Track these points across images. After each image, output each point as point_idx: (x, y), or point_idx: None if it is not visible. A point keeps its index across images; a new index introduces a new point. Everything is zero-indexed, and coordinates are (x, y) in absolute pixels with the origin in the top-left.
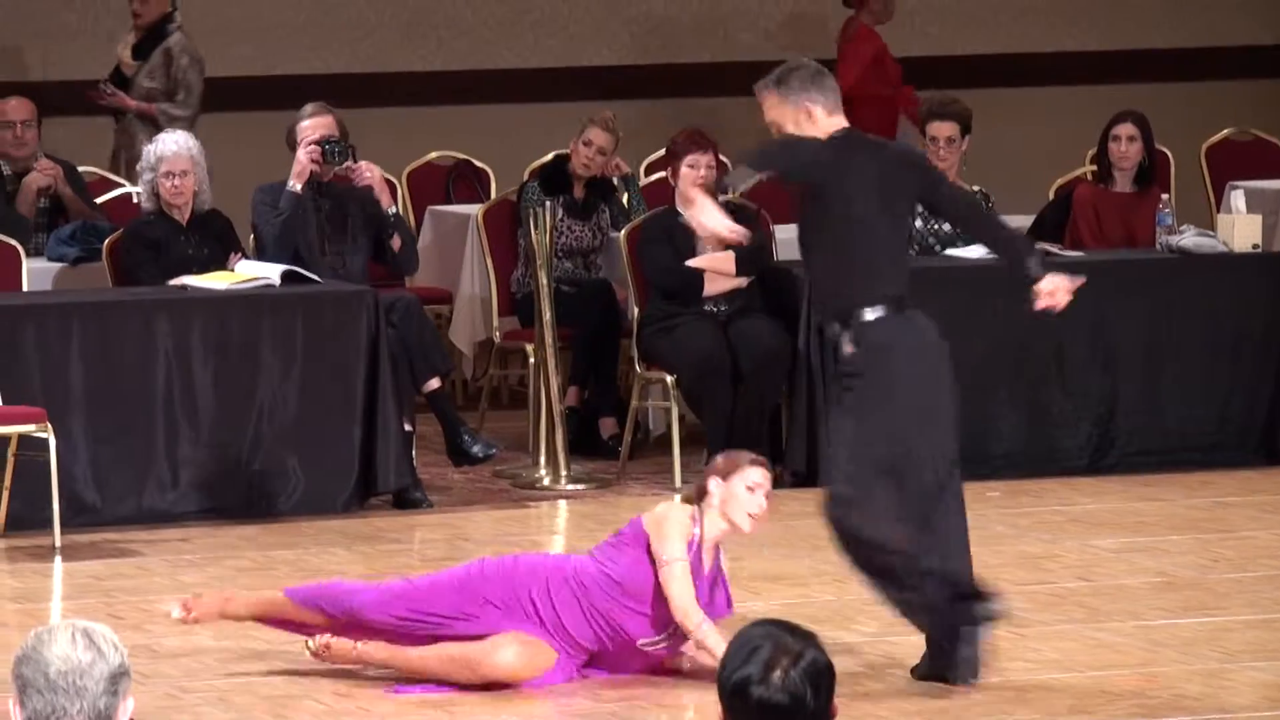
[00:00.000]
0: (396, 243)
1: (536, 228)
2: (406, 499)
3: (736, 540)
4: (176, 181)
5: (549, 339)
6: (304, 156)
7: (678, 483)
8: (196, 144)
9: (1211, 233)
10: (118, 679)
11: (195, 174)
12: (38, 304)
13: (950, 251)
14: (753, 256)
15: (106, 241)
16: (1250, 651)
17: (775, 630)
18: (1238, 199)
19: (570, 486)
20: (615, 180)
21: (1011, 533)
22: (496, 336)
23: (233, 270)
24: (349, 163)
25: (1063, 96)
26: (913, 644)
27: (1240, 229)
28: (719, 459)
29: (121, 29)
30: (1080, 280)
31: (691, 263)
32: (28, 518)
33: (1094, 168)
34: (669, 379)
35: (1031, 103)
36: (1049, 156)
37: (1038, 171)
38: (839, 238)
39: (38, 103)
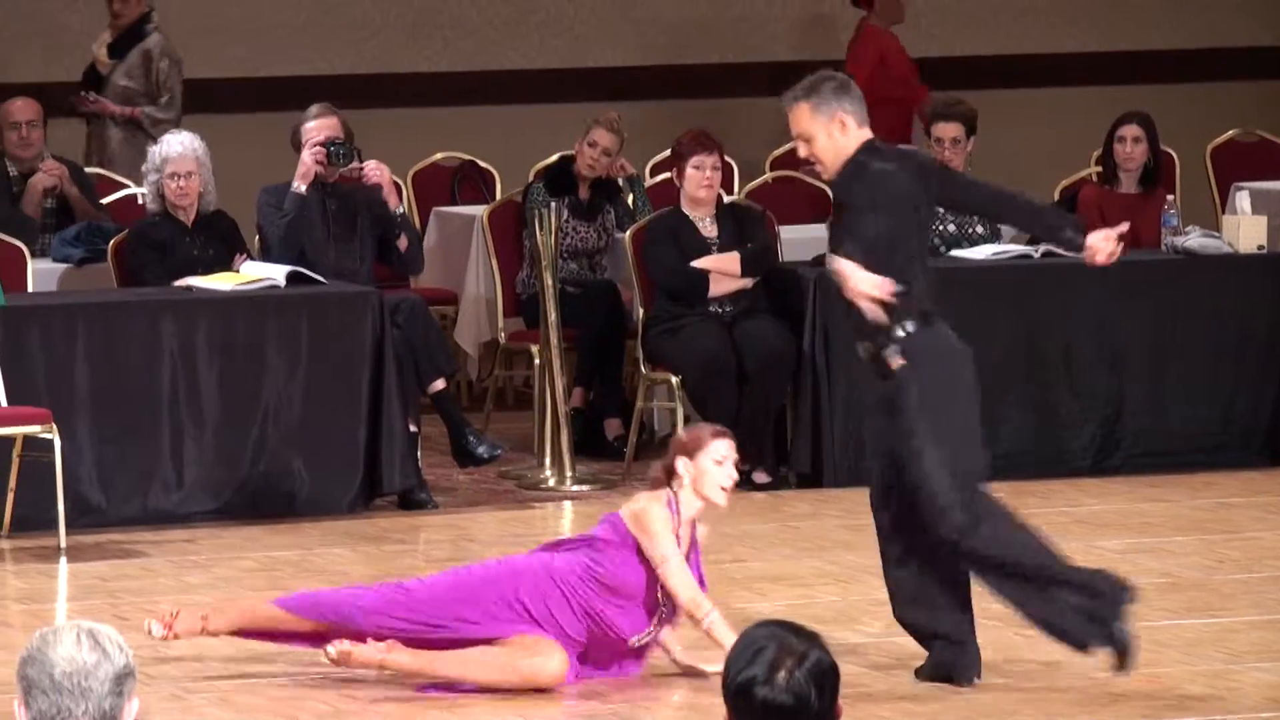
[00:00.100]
0: (403, 243)
1: (542, 229)
2: (411, 500)
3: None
4: (182, 182)
5: (554, 340)
6: (308, 158)
7: None
8: (202, 145)
9: (1216, 234)
10: (123, 680)
11: (200, 175)
12: (43, 305)
13: (956, 252)
14: (758, 257)
15: (112, 242)
16: (1255, 652)
17: (779, 631)
18: (1243, 200)
19: (575, 487)
20: (620, 181)
21: None
22: (501, 337)
23: (237, 271)
24: (354, 164)
25: (1068, 97)
26: (916, 645)
27: (1245, 230)
28: (681, 437)
29: (105, 27)
30: (1122, 227)
31: (697, 263)
32: (33, 519)
33: (1099, 169)
34: (674, 380)
35: (1037, 104)
36: (1054, 157)
37: (1043, 172)
38: (898, 252)
39: (42, 103)
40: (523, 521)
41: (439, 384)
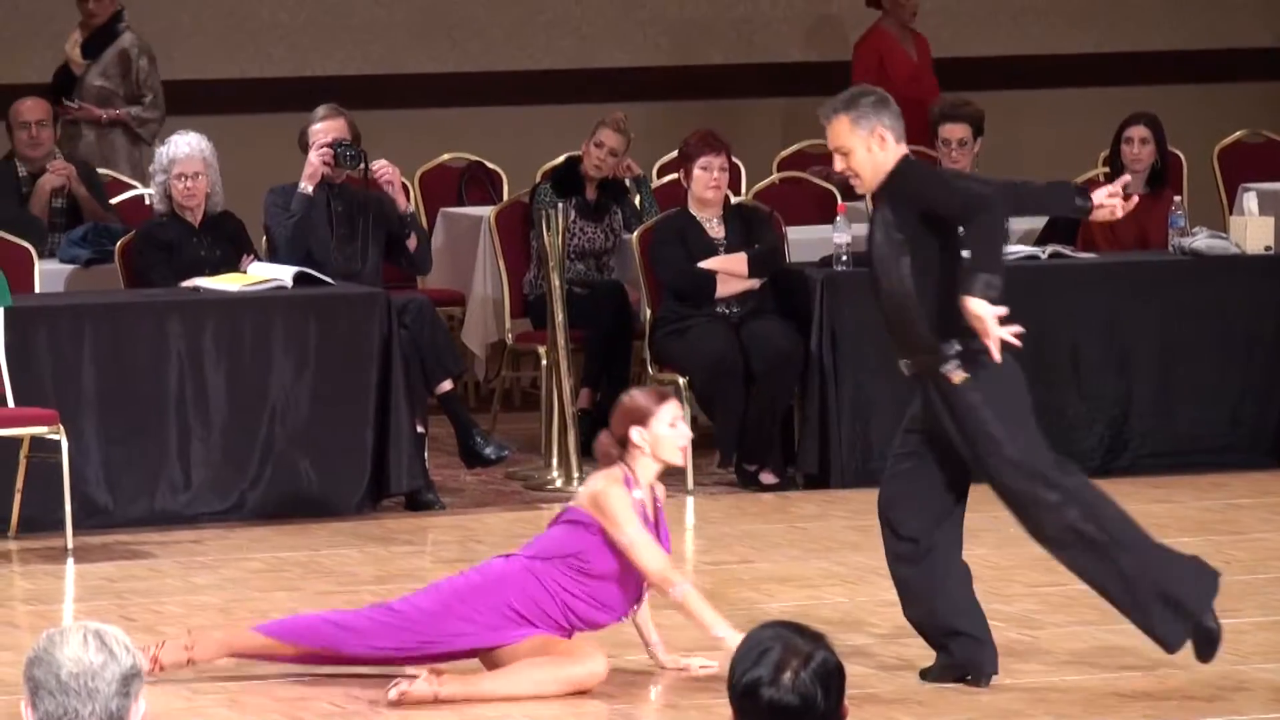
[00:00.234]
0: (413, 242)
1: (549, 230)
2: (419, 501)
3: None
4: (189, 183)
5: (561, 341)
6: (315, 159)
7: (690, 484)
8: (209, 145)
9: (1224, 235)
10: (129, 680)
11: (208, 176)
12: (50, 305)
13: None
14: (765, 258)
15: (119, 243)
16: (1262, 653)
17: (785, 631)
18: (1250, 201)
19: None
20: (627, 182)
21: (1024, 534)
22: (509, 338)
23: (245, 272)
24: (362, 166)
25: (1075, 98)
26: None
27: (1253, 231)
28: (628, 406)
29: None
30: (1124, 179)
31: (704, 264)
32: (39, 519)
33: (1106, 170)
34: (681, 381)
35: (1044, 105)
36: (1061, 159)
37: (1049, 173)
38: (946, 269)
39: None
40: (530, 522)
41: (446, 385)
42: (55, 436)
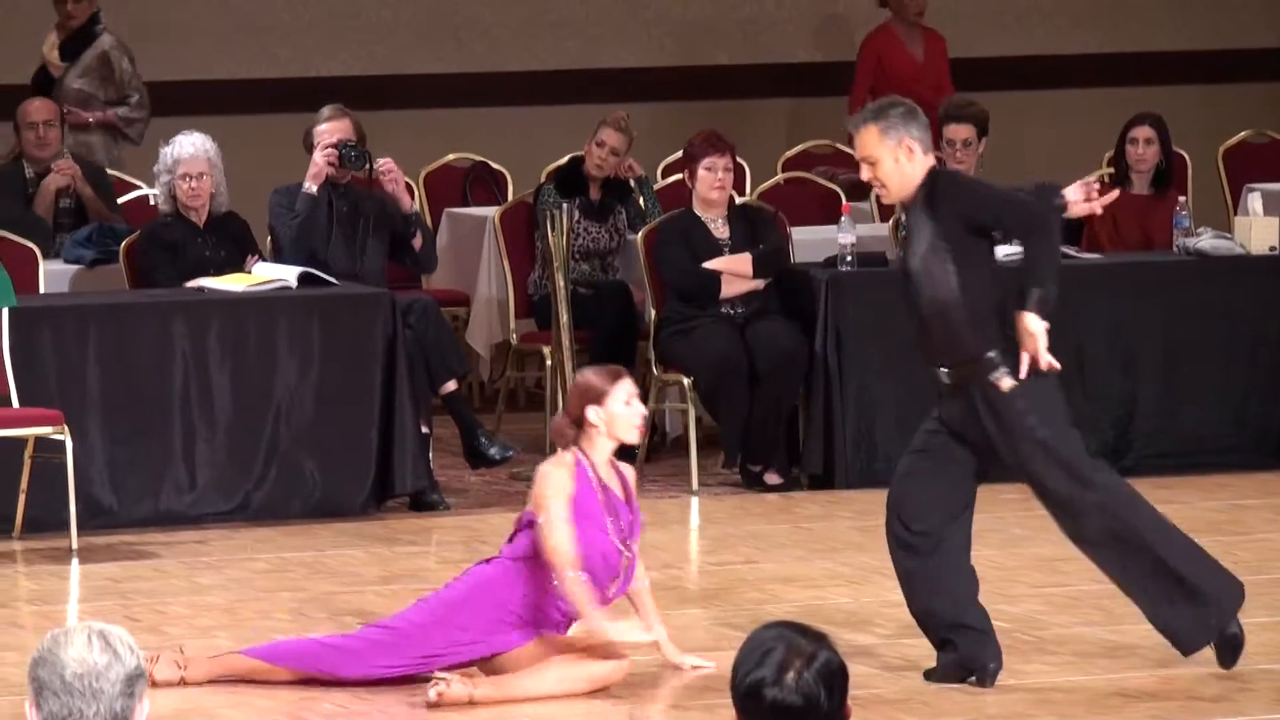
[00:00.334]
0: (418, 241)
1: (554, 230)
2: (423, 501)
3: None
4: (193, 183)
5: (566, 341)
6: (320, 159)
7: (694, 485)
8: (214, 146)
9: (1228, 235)
10: (134, 681)
11: (212, 176)
12: (54, 306)
13: None
14: (770, 258)
15: (123, 243)
16: (1266, 654)
17: (787, 632)
18: (1255, 201)
19: None
20: (632, 182)
21: (1028, 535)
22: (513, 338)
23: (249, 272)
24: (367, 167)
25: (1080, 99)
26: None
27: (1257, 231)
28: (583, 386)
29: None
30: (1090, 179)
31: (708, 265)
32: (44, 520)
33: (1111, 170)
34: (686, 381)
35: (1049, 105)
36: (1066, 159)
37: (1054, 174)
38: (986, 278)
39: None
40: None
41: (451, 385)
42: (60, 437)
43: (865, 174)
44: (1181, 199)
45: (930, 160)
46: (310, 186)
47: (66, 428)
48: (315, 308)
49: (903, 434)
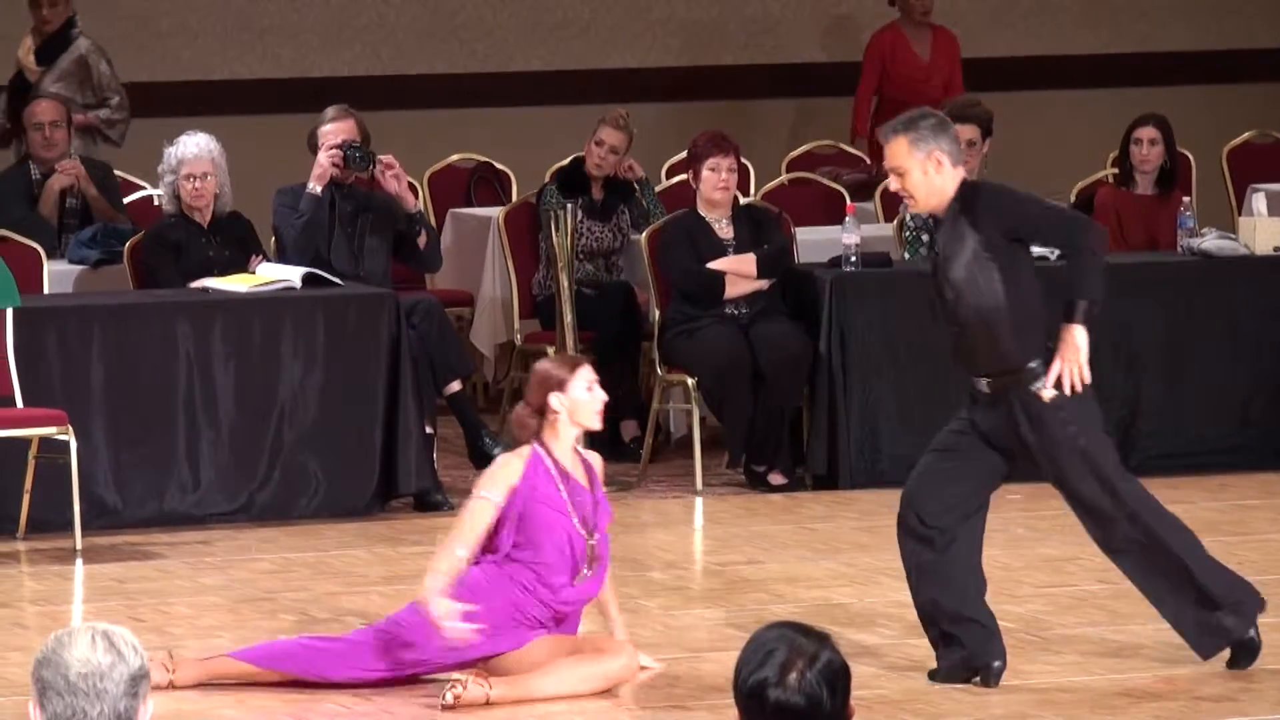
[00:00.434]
0: (423, 240)
1: (558, 230)
2: (427, 501)
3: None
4: (197, 184)
5: (570, 341)
6: (325, 159)
7: (699, 485)
8: (218, 146)
9: (1233, 235)
10: (138, 681)
11: (216, 176)
12: (59, 306)
13: None
14: (774, 259)
15: (127, 244)
16: (1270, 654)
17: (790, 632)
18: (1259, 202)
19: None
20: (635, 183)
21: (1033, 535)
22: (517, 339)
23: (253, 273)
24: (371, 169)
25: (1084, 99)
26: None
27: (1262, 232)
28: (543, 374)
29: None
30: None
31: (713, 265)
32: (48, 520)
33: (1116, 171)
34: (690, 381)
35: (1053, 105)
36: (1070, 159)
37: (1059, 174)
38: (1027, 288)
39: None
40: None
41: (455, 385)
42: (64, 437)
43: (894, 184)
44: (1186, 199)
45: (961, 172)
46: (314, 187)
47: (71, 428)
48: (319, 308)
49: (907, 434)
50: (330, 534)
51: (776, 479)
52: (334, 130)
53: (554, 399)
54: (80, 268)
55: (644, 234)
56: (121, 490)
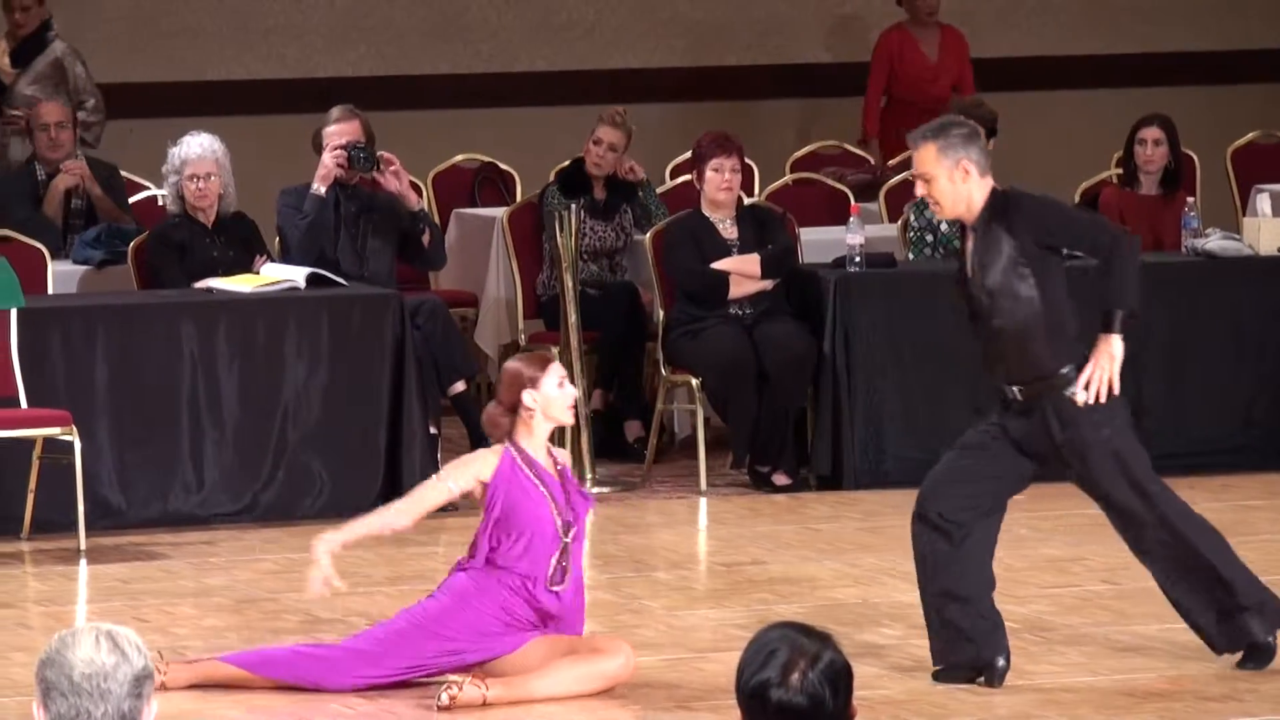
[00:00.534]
0: (427, 238)
1: (562, 231)
2: None
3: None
4: (201, 184)
5: (574, 342)
6: (329, 160)
7: (703, 485)
8: (221, 146)
9: (1237, 236)
10: (141, 681)
11: (220, 177)
12: (63, 307)
13: None
14: (778, 259)
15: (132, 244)
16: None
17: (791, 632)
18: (1263, 202)
19: (596, 490)
20: (636, 184)
21: (1036, 536)
22: (522, 339)
23: (257, 273)
24: (376, 170)
25: (1089, 100)
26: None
27: (1266, 232)
28: (515, 372)
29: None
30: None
31: (717, 265)
32: (53, 521)
33: (1120, 171)
34: (694, 382)
35: (1057, 106)
36: (1075, 160)
37: (1063, 175)
38: (1060, 295)
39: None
40: None
41: (459, 386)
42: (68, 438)
43: (920, 189)
44: (1190, 200)
45: (989, 181)
46: (318, 188)
47: (75, 428)
48: (323, 308)
49: (911, 435)
50: None
51: (781, 479)
52: (338, 131)
53: (527, 395)
54: (85, 268)
55: (648, 234)
56: (126, 491)
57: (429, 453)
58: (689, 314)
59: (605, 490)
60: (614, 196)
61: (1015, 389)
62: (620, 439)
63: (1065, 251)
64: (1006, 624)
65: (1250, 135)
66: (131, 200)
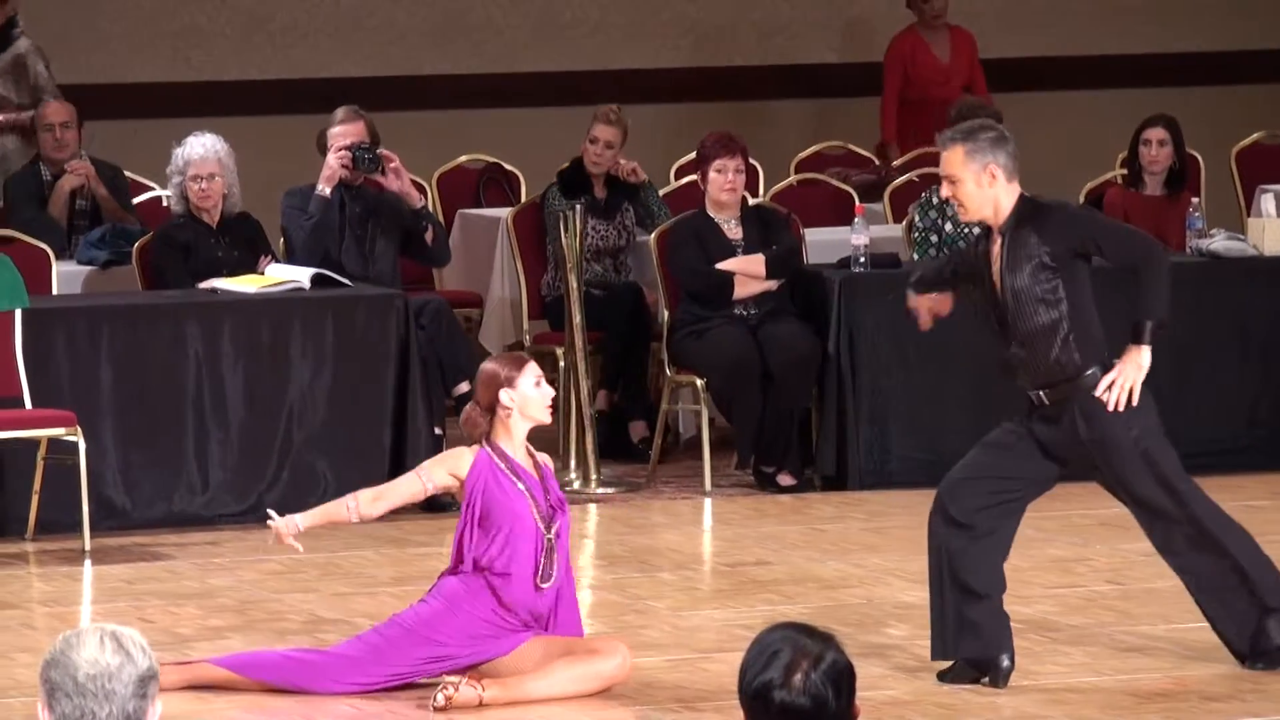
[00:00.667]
0: (430, 235)
1: (566, 231)
2: (436, 502)
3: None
4: (204, 185)
5: (579, 342)
6: (334, 161)
7: (708, 486)
8: (225, 147)
9: (1242, 236)
10: (146, 682)
11: (223, 177)
12: (67, 307)
13: None
14: (783, 260)
15: (136, 245)
16: None
17: (793, 634)
18: (1268, 203)
19: (601, 490)
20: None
21: (1041, 536)
22: (526, 340)
23: (262, 273)
24: (380, 171)
25: (1093, 100)
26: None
27: (1270, 232)
28: (491, 373)
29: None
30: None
31: (721, 265)
32: (57, 521)
33: (1124, 171)
34: (699, 382)
35: (1062, 106)
36: (1079, 160)
37: (1068, 175)
38: (1087, 299)
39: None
40: None
41: (464, 386)
42: (73, 438)
43: (945, 190)
44: (1194, 200)
45: (1016, 187)
46: (323, 189)
47: (79, 429)
48: (328, 309)
49: (916, 435)
50: (338, 535)
51: (785, 480)
52: (343, 132)
53: (504, 395)
54: (89, 268)
55: (653, 235)
56: (130, 491)
57: (433, 453)
58: (694, 314)
59: (610, 491)
60: (615, 195)
61: (1042, 393)
62: (625, 439)
63: (1093, 260)
64: (1013, 624)
65: (1255, 136)
66: (136, 201)
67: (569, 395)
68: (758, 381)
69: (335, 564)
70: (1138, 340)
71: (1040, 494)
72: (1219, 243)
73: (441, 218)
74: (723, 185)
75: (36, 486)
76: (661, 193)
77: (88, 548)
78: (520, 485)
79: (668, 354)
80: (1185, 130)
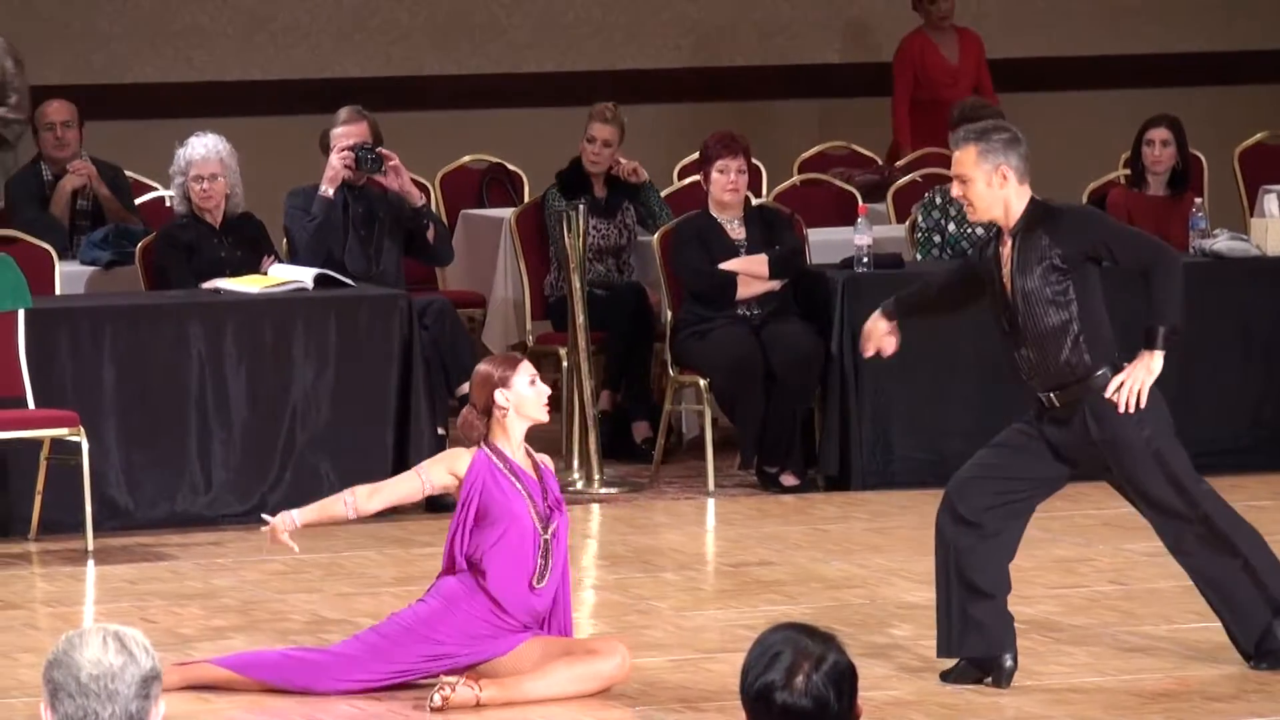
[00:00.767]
0: (432, 233)
1: (569, 231)
2: (439, 502)
3: (759, 534)
4: (206, 185)
5: (582, 343)
6: (337, 161)
7: (710, 486)
8: (227, 147)
9: (1245, 237)
10: (149, 682)
11: (226, 177)
12: (70, 307)
13: None
14: (786, 260)
15: (139, 245)
16: None
17: (794, 635)
18: (1271, 203)
19: (604, 490)
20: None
21: (1045, 536)
22: (529, 340)
23: (265, 274)
24: (383, 171)
25: (1096, 100)
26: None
27: (1273, 233)
28: (485, 374)
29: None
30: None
31: (724, 266)
32: (60, 521)
33: (1127, 172)
34: (702, 382)
35: (1065, 106)
36: (1082, 160)
37: (1071, 175)
38: (1097, 301)
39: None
40: None
41: (466, 387)
42: (76, 438)
43: (956, 190)
44: (1198, 200)
45: (1027, 190)
46: (326, 189)
47: (82, 429)
48: (331, 309)
49: (918, 435)
50: (341, 535)
51: (788, 480)
52: (346, 133)
53: (499, 395)
54: (92, 268)
55: (656, 235)
56: (133, 491)
57: (436, 454)
58: (697, 314)
59: (613, 491)
60: (614, 194)
61: (1052, 394)
62: (628, 439)
63: (1104, 263)
64: (1016, 624)
65: (1258, 136)
66: (139, 201)
67: (572, 395)
68: (761, 382)
69: (338, 564)
70: (1150, 345)
71: (1048, 496)
72: (1222, 243)
73: (445, 218)
74: (725, 185)
75: (39, 487)
76: (664, 193)
77: (90, 548)
78: (518, 485)
79: (671, 354)
80: (1188, 130)
